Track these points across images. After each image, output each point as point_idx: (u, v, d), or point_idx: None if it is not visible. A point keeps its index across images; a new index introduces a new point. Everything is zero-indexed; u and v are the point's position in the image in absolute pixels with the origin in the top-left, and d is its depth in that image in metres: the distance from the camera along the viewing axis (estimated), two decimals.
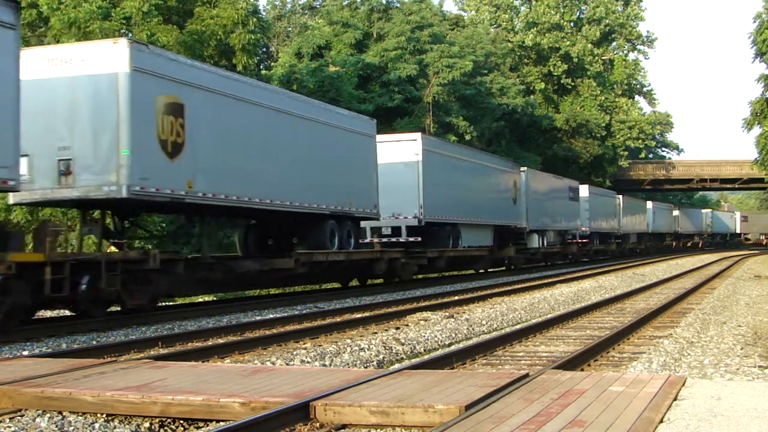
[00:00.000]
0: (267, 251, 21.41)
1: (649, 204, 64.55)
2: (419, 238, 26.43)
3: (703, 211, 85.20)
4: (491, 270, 35.62)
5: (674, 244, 73.72)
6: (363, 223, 24.83)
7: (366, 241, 26.17)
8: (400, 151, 26.29)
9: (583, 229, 46.59)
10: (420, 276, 28.52)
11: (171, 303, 19.60)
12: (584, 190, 47.30)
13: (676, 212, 73.72)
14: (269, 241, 22.06)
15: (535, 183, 38.34)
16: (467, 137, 46.13)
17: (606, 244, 53.73)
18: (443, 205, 27.67)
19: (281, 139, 19.49)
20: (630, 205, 58.97)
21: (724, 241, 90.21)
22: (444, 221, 27.96)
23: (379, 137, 24.92)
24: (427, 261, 26.09)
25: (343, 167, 22.09)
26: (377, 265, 23.43)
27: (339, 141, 22.08)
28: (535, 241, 38.03)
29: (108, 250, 17.07)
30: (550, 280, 26.88)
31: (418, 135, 27.10)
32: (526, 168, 38.56)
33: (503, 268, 36.52)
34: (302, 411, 6.34)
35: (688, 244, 78.72)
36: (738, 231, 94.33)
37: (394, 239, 26.37)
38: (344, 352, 11.21)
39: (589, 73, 66.05)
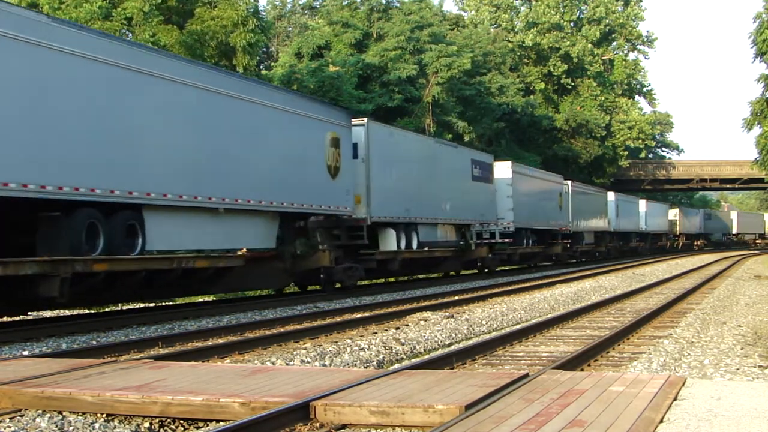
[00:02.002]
0: None
1: (611, 196, 53.42)
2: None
3: (671, 210, 73.49)
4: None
5: (640, 245, 63.00)
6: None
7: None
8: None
9: (505, 223, 33.94)
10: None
11: (171, 303, 19.61)
12: (503, 169, 34.37)
13: (643, 208, 61.94)
14: None
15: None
16: (466, 138, 46.16)
17: (544, 246, 39.92)
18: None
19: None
20: (583, 196, 46.87)
21: (691, 242, 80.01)
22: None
23: None
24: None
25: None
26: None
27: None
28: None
29: None
30: (550, 280, 26.89)
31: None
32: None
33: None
34: (302, 411, 6.34)
35: (657, 245, 68.55)
36: (705, 231, 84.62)
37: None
38: (344, 352, 11.21)
39: (589, 73, 66.06)
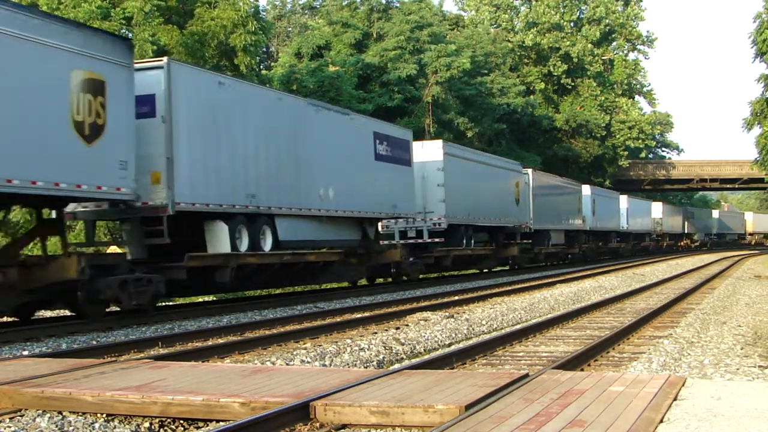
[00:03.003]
0: None
1: (587, 190, 47.03)
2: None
3: (654, 205, 66.18)
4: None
5: (621, 246, 56.68)
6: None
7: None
8: None
9: (435, 219, 27.50)
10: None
11: (171, 303, 19.61)
12: (432, 150, 27.93)
13: (624, 204, 56.09)
14: None
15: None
16: (468, 134, 46.19)
17: (494, 247, 33.63)
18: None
19: None
20: (549, 189, 39.94)
21: (674, 243, 74.33)
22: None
23: None
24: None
25: None
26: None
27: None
28: None
29: None
30: (550, 280, 26.88)
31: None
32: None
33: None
34: (302, 411, 6.34)
35: (640, 245, 62.47)
36: (687, 231, 78.05)
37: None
38: (344, 352, 11.21)
39: (589, 73, 66.08)
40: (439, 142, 28.66)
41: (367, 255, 23.97)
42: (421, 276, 27.42)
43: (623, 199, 56.10)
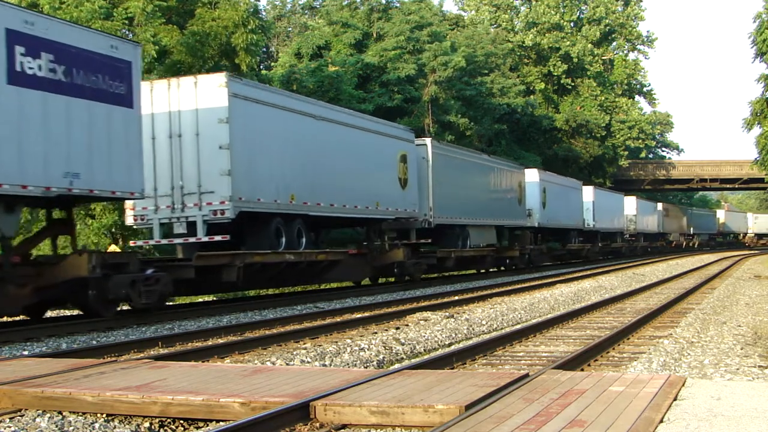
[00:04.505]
0: None
1: (533, 175, 37.36)
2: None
3: (626, 199, 57.60)
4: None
5: (586, 248, 46.69)
6: None
7: None
8: None
9: (216, 204, 17.73)
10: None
11: (171, 303, 19.61)
12: (205, 88, 17.80)
13: (589, 197, 47.20)
14: None
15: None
16: (468, 133, 46.20)
17: (334, 251, 22.42)
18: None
19: None
20: (460, 166, 29.26)
21: (647, 245, 65.25)
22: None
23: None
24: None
25: None
26: None
27: None
28: None
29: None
30: (550, 280, 26.88)
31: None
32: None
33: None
34: (302, 411, 6.34)
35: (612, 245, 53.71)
36: (662, 230, 68.40)
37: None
38: (344, 352, 11.21)
39: (589, 73, 66.09)
40: (218, 76, 17.94)
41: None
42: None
43: (588, 191, 47.21)
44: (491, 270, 33.87)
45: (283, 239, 19.62)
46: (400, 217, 25.42)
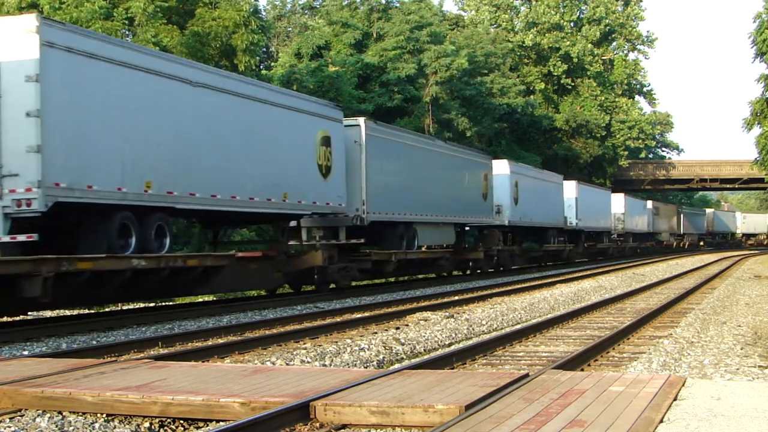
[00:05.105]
0: None
1: (503, 167, 33.67)
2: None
3: (614, 196, 53.76)
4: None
5: (567, 248, 42.72)
6: None
7: None
8: None
9: (20, 193, 12.73)
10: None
11: (171, 303, 19.61)
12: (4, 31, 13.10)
13: (572, 193, 43.40)
14: None
15: None
16: (468, 134, 46.19)
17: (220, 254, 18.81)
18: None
19: None
20: (402, 150, 24.82)
21: (637, 246, 61.30)
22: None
23: None
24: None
25: None
26: None
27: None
28: None
29: None
30: (550, 280, 26.88)
31: None
32: None
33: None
34: (302, 411, 6.35)
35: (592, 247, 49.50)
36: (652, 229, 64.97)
37: None
38: (344, 352, 11.21)
39: (589, 73, 66.08)
40: (26, 17, 13.62)
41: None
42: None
43: (570, 186, 42.96)
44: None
45: (133, 240, 15.01)
46: (319, 212, 20.96)
